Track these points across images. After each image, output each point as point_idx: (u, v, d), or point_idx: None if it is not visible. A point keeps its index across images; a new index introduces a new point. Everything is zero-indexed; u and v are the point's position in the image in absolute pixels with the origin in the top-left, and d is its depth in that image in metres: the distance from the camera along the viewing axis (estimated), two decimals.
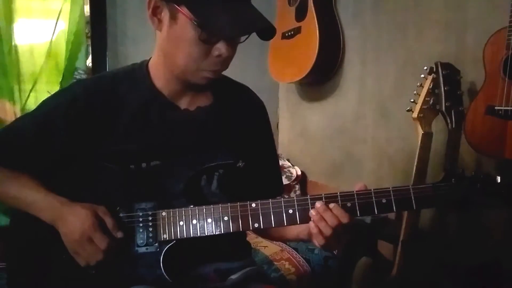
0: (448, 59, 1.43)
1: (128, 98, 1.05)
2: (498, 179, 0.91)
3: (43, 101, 1.10)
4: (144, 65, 1.09)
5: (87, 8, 2.31)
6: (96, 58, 2.35)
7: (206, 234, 0.96)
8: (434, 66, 1.40)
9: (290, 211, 0.94)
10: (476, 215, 1.60)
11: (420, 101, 1.43)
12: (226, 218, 0.96)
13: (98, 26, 2.34)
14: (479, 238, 1.60)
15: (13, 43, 2.16)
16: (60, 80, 2.27)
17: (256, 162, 1.13)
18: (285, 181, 2.36)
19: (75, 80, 2.25)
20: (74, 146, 1.02)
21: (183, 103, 1.08)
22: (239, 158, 1.09)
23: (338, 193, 0.93)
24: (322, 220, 0.91)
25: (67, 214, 0.96)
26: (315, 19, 2.12)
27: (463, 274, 1.53)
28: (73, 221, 0.95)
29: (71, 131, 1.02)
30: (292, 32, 2.26)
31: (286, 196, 1.01)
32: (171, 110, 1.07)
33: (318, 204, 0.92)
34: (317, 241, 0.93)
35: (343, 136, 2.27)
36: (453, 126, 1.39)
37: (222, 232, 0.96)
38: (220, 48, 0.96)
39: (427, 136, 1.43)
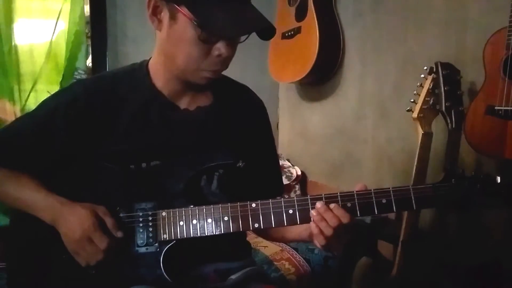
0: (448, 59, 1.43)
1: (128, 98, 1.05)
2: (498, 179, 0.91)
3: (43, 101, 1.10)
4: (144, 65, 1.09)
5: (87, 8, 2.31)
6: (96, 58, 2.35)
7: (206, 234, 0.96)
8: (434, 66, 1.40)
9: (290, 211, 0.94)
10: (476, 215, 1.60)
11: (420, 101, 1.43)
12: (226, 218, 0.96)
13: (98, 26, 2.34)
14: (479, 238, 1.60)
15: (13, 43, 2.16)
16: (60, 80, 2.27)
17: (256, 162, 1.13)
18: (285, 181, 2.36)
19: (75, 80, 2.25)
20: (74, 146, 1.02)
21: (183, 103, 1.08)
22: (239, 158, 1.09)
23: (338, 193, 0.93)
24: (322, 220, 0.91)
25: (67, 214, 0.96)
26: (315, 19, 2.12)
27: (463, 274, 1.53)
28: (73, 221, 0.95)
29: (71, 131, 1.02)
30: (292, 32, 2.26)
31: (286, 196, 1.01)
32: (171, 110, 1.07)
33: (318, 204, 0.92)
34: (318, 242, 0.93)
35: (343, 136, 2.27)
36: (453, 126, 1.39)
37: (222, 232, 0.96)
38: (220, 48, 0.96)
39: (427, 136, 1.43)
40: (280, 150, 2.66)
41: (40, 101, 1.10)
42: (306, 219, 0.94)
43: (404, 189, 0.92)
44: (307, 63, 2.15)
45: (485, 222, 1.59)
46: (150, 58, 1.09)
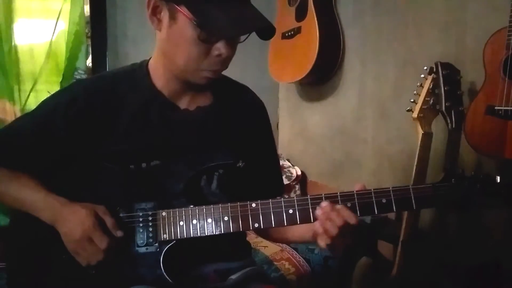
0: (448, 59, 1.43)
1: (128, 98, 1.05)
2: (498, 179, 0.91)
3: (43, 101, 1.09)
4: (144, 65, 1.09)
5: (87, 8, 2.31)
6: (96, 58, 2.35)
7: (206, 234, 0.96)
8: (434, 66, 1.40)
9: (290, 211, 0.94)
10: (476, 215, 1.60)
11: (420, 101, 1.43)
12: (226, 218, 0.96)
13: (98, 26, 2.34)
14: (479, 238, 1.60)
15: (13, 43, 2.17)
16: (60, 80, 2.28)
17: (256, 162, 1.13)
18: (285, 181, 2.36)
19: (75, 80, 2.25)
20: (74, 146, 1.02)
21: (183, 103, 1.08)
22: (239, 158, 1.09)
23: (338, 193, 0.93)
24: (328, 220, 0.90)
25: (67, 214, 0.96)
26: (315, 19, 2.12)
27: (463, 274, 1.53)
28: (73, 221, 0.95)
29: (71, 131, 1.02)
30: (292, 32, 2.26)
31: (286, 196, 1.01)
32: (171, 110, 1.07)
33: (324, 203, 0.91)
34: (322, 241, 0.92)
35: (343, 136, 2.27)
36: (453, 126, 1.39)
37: (222, 232, 0.96)
38: (220, 48, 0.96)
39: (427, 136, 1.43)
40: (280, 150, 2.66)
41: (40, 101, 1.10)
42: (306, 219, 0.94)
43: (404, 189, 0.92)
44: (307, 63, 2.15)
45: (485, 222, 1.59)
46: (150, 58, 1.09)
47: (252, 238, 1.47)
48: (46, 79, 2.26)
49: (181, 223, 0.97)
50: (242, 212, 0.95)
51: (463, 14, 1.65)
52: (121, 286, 0.96)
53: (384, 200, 0.92)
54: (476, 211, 1.53)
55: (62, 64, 2.27)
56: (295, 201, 0.94)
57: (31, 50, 2.23)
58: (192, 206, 0.98)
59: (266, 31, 0.98)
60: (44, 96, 1.68)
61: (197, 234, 0.96)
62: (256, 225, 0.95)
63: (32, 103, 2.19)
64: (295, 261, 1.79)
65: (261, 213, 0.95)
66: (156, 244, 0.98)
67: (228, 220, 0.96)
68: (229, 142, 1.09)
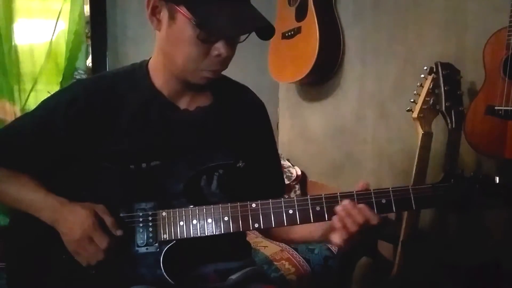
0: (448, 59, 1.43)
1: (128, 98, 1.05)
2: (497, 179, 0.91)
3: (43, 101, 1.09)
4: (144, 65, 1.09)
5: (87, 8, 2.31)
6: (96, 58, 2.35)
7: (206, 234, 0.96)
8: (434, 66, 1.40)
9: (290, 211, 0.94)
10: (476, 215, 1.60)
11: (420, 101, 1.43)
12: (226, 218, 0.96)
13: (98, 26, 2.34)
14: (479, 238, 1.60)
15: (13, 43, 2.17)
16: (60, 80, 2.27)
17: (257, 162, 1.13)
18: (285, 181, 2.36)
19: (75, 80, 2.25)
20: (74, 146, 1.02)
21: (183, 103, 1.08)
22: (239, 158, 1.09)
23: (338, 193, 0.93)
24: (348, 216, 0.90)
25: (67, 214, 0.96)
26: (315, 19, 2.12)
27: (463, 274, 1.53)
28: (73, 221, 0.95)
29: (71, 131, 1.02)
30: (292, 32, 2.26)
31: (286, 196, 1.01)
32: (170, 110, 1.07)
33: (346, 201, 0.91)
34: (339, 238, 0.92)
35: (343, 136, 2.27)
36: (453, 126, 1.39)
37: (222, 232, 0.96)
38: (220, 48, 0.96)
39: (427, 136, 1.43)
40: (280, 150, 2.66)
41: (40, 101, 1.10)
42: (306, 219, 0.94)
43: (404, 189, 0.93)
44: (307, 63, 2.15)
45: (485, 222, 1.59)
46: (150, 58, 1.09)
47: (252, 238, 1.47)
48: (46, 79, 2.25)
49: (181, 223, 0.97)
50: (242, 212, 0.95)
51: (463, 14, 1.65)
52: (121, 286, 0.96)
53: (383, 201, 0.92)
54: (476, 211, 1.53)
55: (62, 64, 2.27)
56: (295, 201, 0.94)
57: (31, 50, 2.22)
58: (192, 206, 0.98)
59: (265, 31, 0.98)
60: (44, 96, 1.68)
61: (197, 234, 0.96)
62: (256, 225, 0.95)
63: (32, 103, 2.19)
64: (295, 261, 1.79)
65: (261, 213, 0.95)
66: (156, 244, 0.98)
67: (228, 220, 0.96)
68: (229, 142, 1.09)
